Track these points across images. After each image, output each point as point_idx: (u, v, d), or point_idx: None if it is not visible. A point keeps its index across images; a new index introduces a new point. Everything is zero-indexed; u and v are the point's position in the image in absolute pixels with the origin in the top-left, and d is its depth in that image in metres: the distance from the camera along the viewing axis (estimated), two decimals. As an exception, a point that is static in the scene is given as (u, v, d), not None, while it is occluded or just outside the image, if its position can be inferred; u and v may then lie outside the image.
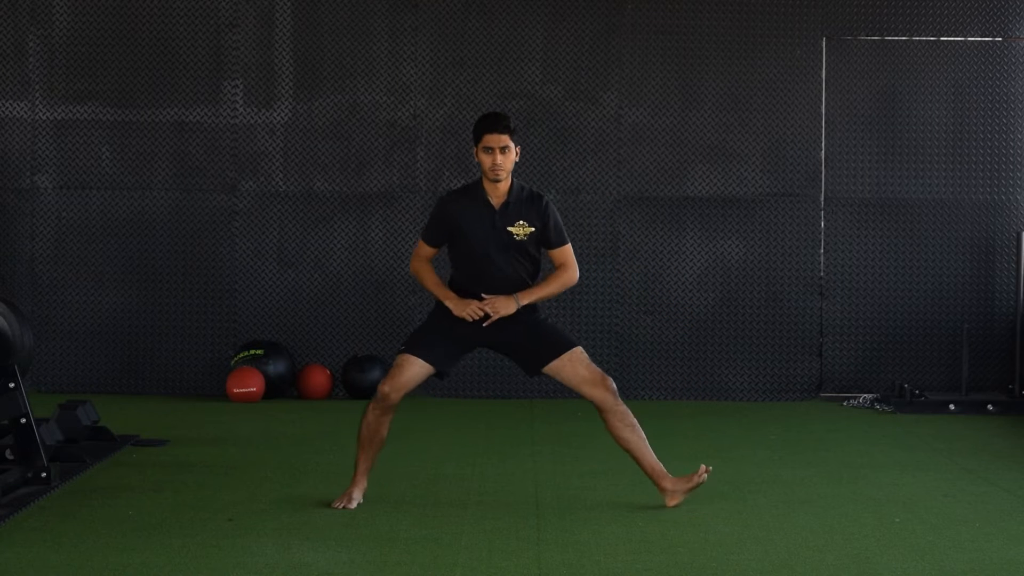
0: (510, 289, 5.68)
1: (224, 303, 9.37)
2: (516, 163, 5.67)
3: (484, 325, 5.62)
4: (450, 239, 5.72)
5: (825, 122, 9.34)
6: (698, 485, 5.73)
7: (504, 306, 5.61)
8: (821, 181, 9.35)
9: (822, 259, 9.36)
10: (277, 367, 9.10)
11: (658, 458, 5.75)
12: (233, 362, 9.12)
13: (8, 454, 6.15)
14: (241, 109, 9.36)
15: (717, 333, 9.36)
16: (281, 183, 9.38)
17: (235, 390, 8.95)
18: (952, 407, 8.78)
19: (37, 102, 9.33)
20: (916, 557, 4.94)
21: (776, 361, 9.35)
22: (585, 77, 9.36)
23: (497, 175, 5.63)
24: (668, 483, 5.73)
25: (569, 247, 5.76)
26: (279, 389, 9.13)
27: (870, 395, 9.22)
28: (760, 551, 5.01)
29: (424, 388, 8.75)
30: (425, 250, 5.77)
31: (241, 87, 9.35)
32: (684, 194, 9.37)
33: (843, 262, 9.37)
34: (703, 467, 5.73)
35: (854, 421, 8.50)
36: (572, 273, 5.74)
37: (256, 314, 9.37)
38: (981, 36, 9.31)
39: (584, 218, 9.35)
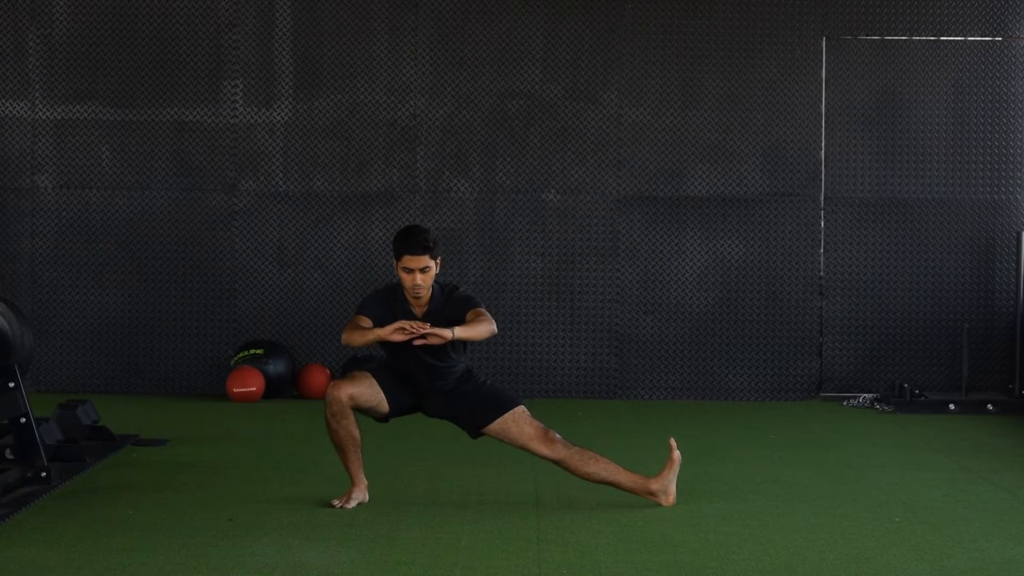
0: (442, 372, 5.68)
1: (224, 303, 9.38)
2: (438, 273, 5.64)
3: (415, 344, 5.49)
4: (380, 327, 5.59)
5: (825, 122, 9.34)
6: (678, 463, 5.73)
7: (440, 329, 5.49)
8: (821, 181, 9.35)
9: (822, 259, 9.37)
10: (277, 367, 9.10)
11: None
12: (233, 362, 9.12)
13: (8, 454, 6.15)
14: (241, 109, 9.36)
15: (717, 333, 9.36)
16: (281, 183, 9.38)
17: (235, 390, 8.95)
18: (952, 407, 8.78)
19: (37, 102, 9.33)
20: (916, 557, 4.94)
21: (776, 361, 9.35)
22: (585, 77, 9.36)
23: (418, 294, 5.61)
24: (654, 485, 5.73)
25: (481, 308, 5.65)
26: (279, 389, 9.13)
27: (870, 395, 9.23)
28: (760, 551, 5.01)
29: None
30: (363, 320, 5.61)
31: (241, 87, 9.35)
32: (684, 194, 9.37)
33: (843, 262, 9.37)
34: (672, 442, 5.73)
35: (854, 421, 8.50)
36: (492, 324, 5.61)
37: (256, 314, 9.37)
38: (981, 36, 9.31)
39: (584, 218, 9.36)
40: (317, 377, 9.16)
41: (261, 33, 9.35)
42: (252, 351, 9.09)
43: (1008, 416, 8.67)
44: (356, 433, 5.67)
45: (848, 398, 9.26)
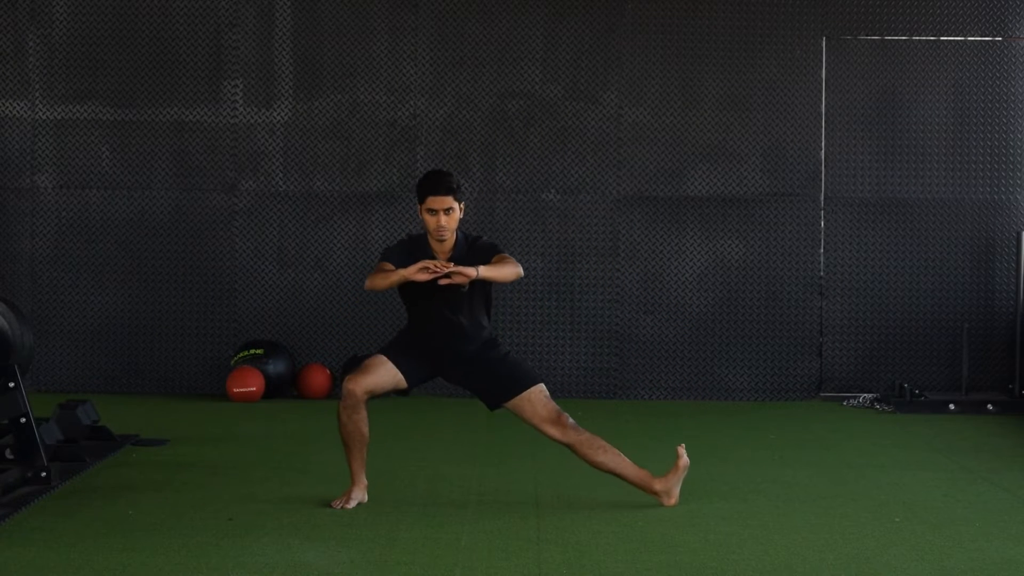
0: (465, 331, 5.66)
1: (224, 303, 9.38)
2: (462, 219, 5.64)
3: (440, 283, 5.48)
4: (402, 283, 5.59)
5: (825, 122, 9.34)
6: (685, 469, 5.74)
7: (464, 268, 5.48)
8: (821, 181, 9.35)
9: (822, 259, 9.37)
10: (277, 367, 9.10)
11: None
12: (233, 362, 9.12)
13: (8, 454, 6.15)
14: (241, 109, 9.36)
15: (717, 333, 9.36)
16: (281, 183, 9.39)
17: (235, 390, 8.95)
18: (952, 407, 8.78)
19: (37, 102, 9.33)
20: (916, 557, 4.94)
21: (776, 361, 9.35)
22: (585, 77, 9.36)
23: (442, 235, 5.62)
24: (658, 485, 5.73)
25: (505, 254, 5.66)
26: (279, 389, 9.13)
27: (870, 395, 9.23)
28: (760, 551, 5.01)
29: (425, 388, 8.76)
30: (387, 266, 5.60)
31: (241, 87, 9.35)
32: (684, 194, 9.37)
33: (843, 262, 9.37)
34: (680, 449, 5.74)
35: (854, 421, 8.50)
36: (519, 267, 5.62)
37: (256, 314, 9.37)
38: (981, 36, 9.31)
39: (584, 218, 9.36)
40: (317, 377, 9.16)
41: (261, 33, 9.35)
42: (252, 351, 9.09)
43: (1008, 416, 8.67)
44: (365, 430, 5.67)
45: (848, 398, 9.26)
